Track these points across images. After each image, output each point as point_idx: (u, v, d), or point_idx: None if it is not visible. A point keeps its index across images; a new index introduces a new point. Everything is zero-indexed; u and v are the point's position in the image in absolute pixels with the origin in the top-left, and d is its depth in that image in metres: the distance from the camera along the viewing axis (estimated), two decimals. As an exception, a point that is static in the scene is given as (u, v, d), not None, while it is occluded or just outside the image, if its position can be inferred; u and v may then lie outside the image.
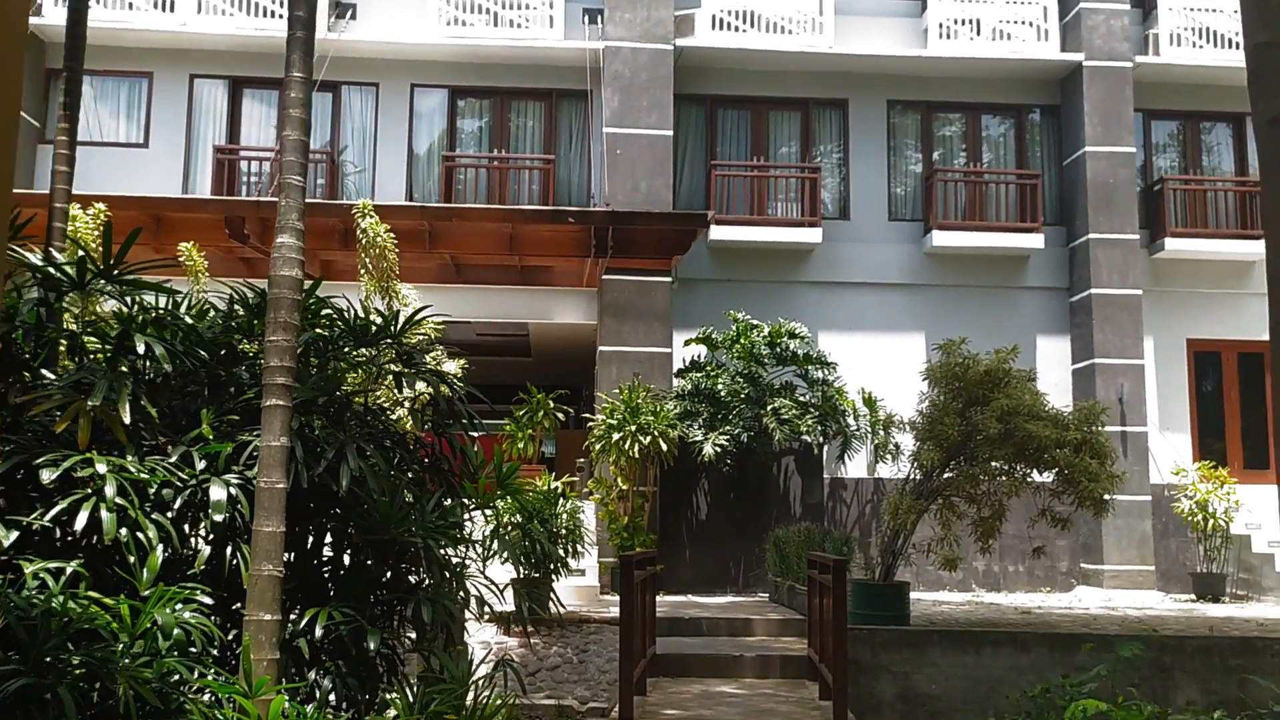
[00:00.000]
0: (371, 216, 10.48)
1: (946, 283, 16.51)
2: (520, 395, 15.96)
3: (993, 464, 9.92)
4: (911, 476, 10.44)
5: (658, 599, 13.25)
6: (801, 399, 14.70)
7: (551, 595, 9.05)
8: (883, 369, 15.74)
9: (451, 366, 10.90)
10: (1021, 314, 16.43)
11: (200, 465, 4.85)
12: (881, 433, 14.85)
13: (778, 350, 14.99)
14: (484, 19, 15.95)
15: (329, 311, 5.75)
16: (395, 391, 6.13)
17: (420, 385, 5.92)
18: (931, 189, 16.56)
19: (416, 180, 16.44)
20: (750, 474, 14.76)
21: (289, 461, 4.63)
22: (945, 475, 10.28)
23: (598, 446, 14.17)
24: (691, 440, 14.16)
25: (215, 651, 4.59)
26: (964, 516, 10.42)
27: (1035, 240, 16.20)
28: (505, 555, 10.58)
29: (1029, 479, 10.02)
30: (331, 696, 4.81)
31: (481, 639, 10.18)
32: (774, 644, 10.21)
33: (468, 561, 5.99)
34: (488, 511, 6.99)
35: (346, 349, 5.61)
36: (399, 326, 5.75)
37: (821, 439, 14.56)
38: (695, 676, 9.27)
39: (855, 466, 15.64)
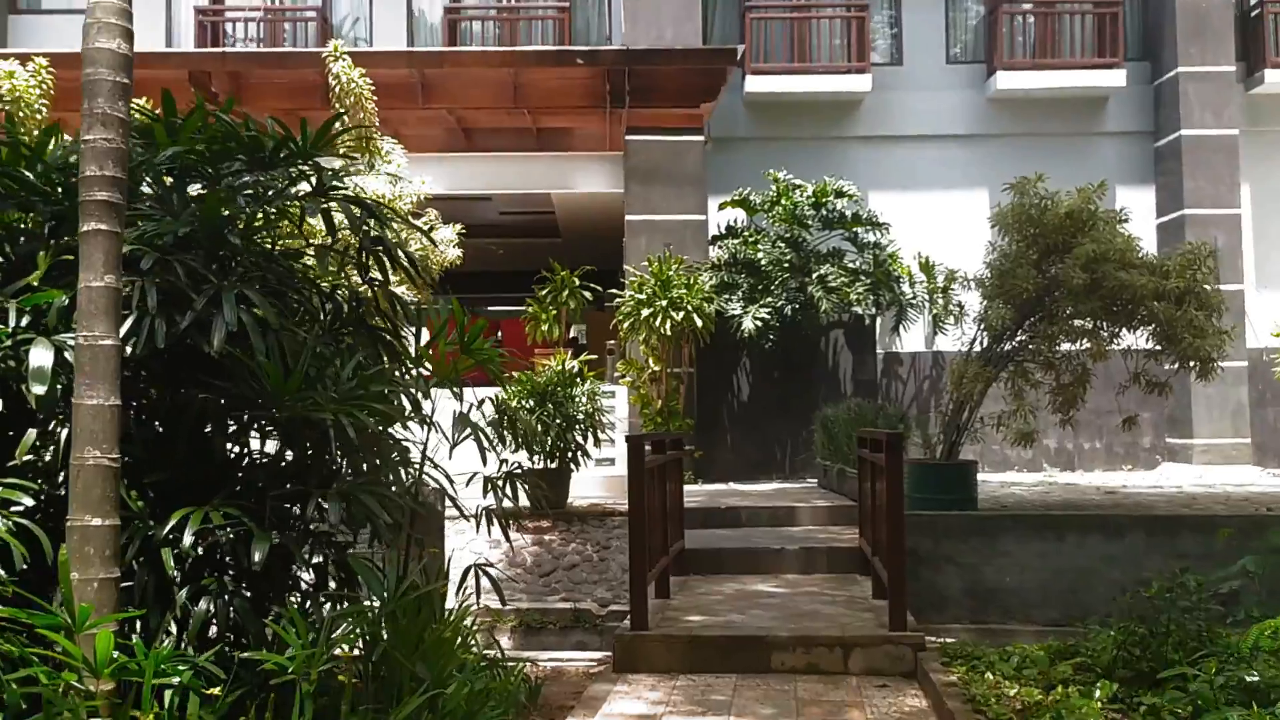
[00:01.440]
0: (343, 60, 9.07)
1: (1012, 131, 14.72)
2: (543, 274, 14.65)
3: (1075, 322, 8.44)
4: (978, 341, 9.00)
5: (697, 487, 12.09)
6: (851, 265, 13.21)
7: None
8: (941, 231, 14.14)
9: (447, 232, 9.58)
10: (1099, 163, 14.59)
11: (24, 322, 3.62)
12: (940, 300, 13.41)
13: (824, 212, 13.44)
14: None
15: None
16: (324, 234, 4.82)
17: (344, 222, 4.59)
18: (996, 25, 14.66)
19: (419, 38, 14.89)
20: (795, 350, 13.38)
21: (117, 309, 3.36)
22: (1018, 338, 8.83)
23: (626, 325, 12.86)
24: (729, 315, 12.78)
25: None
26: (1039, 385, 9.00)
27: (1115, 78, 14.31)
28: (513, 442, 9.44)
29: (1117, 338, 8.55)
30: (213, 628, 3.63)
31: (491, 536, 9.07)
32: (820, 534, 8.97)
33: (422, 446, 4.74)
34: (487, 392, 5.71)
35: (236, 170, 4.27)
36: (309, 141, 4.40)
37: (874, 309, 13.10)
38: (730, 574, 8.08)
39: (912, 339, 14.19)
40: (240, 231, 4.17)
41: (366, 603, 3.98)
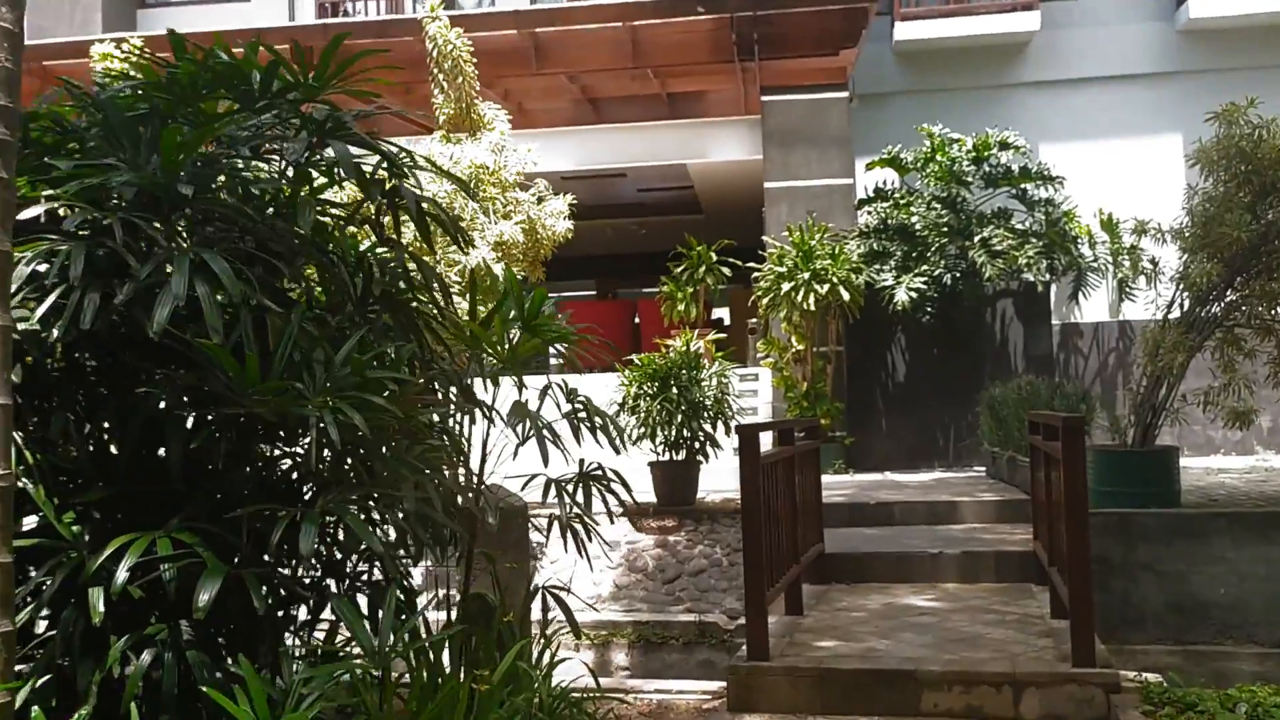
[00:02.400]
0: (439, 20, 8.30)
1: (1210, 67, 12.85)
2: (679, 249, 13.71)
3: (1302, 276, 6.91)
4: (1177, 304, 7.54)
5: (847, 478, 10.92)
6: (1019, 227, 11.73)
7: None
8: (1124, 184, 12.48)
9: (557, 204, 8.73)
10: (1316, 97, 12.58)
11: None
12: (1127, 261, 11.79)
13: (985, 168, 11.98)
14: None
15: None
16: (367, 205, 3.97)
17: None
18: (1186, -55, 12.83)
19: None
20: (956, 323, 11.99)
21: (5, 277, 2.57)
22: (1227, 298, 7.33)
23: (765, 301, 11.77)
24: (880, 286, 11.51)
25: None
26: (1254, 354, 7.48)
27: (1336, -4, 12.28)
28: (635, 431, 8.53)
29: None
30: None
31: (611, 537, 8.19)
32: (987, 534, 7.71)
33: (457, 455, 3.86)
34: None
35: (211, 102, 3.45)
36: (312, 75, 3.55)
37: (1047, 275, 11.57)
38: (877, 582, 6.95)
39: (1093, 307, 12.57)
40: (214, 183, 3.35)
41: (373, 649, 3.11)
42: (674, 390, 8.54)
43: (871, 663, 4.91)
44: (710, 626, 7.24)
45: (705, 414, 8.64)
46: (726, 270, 13.47)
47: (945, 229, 11.57)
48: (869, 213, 12.47)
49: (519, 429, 4.14)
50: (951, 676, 4.72)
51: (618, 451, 4.53)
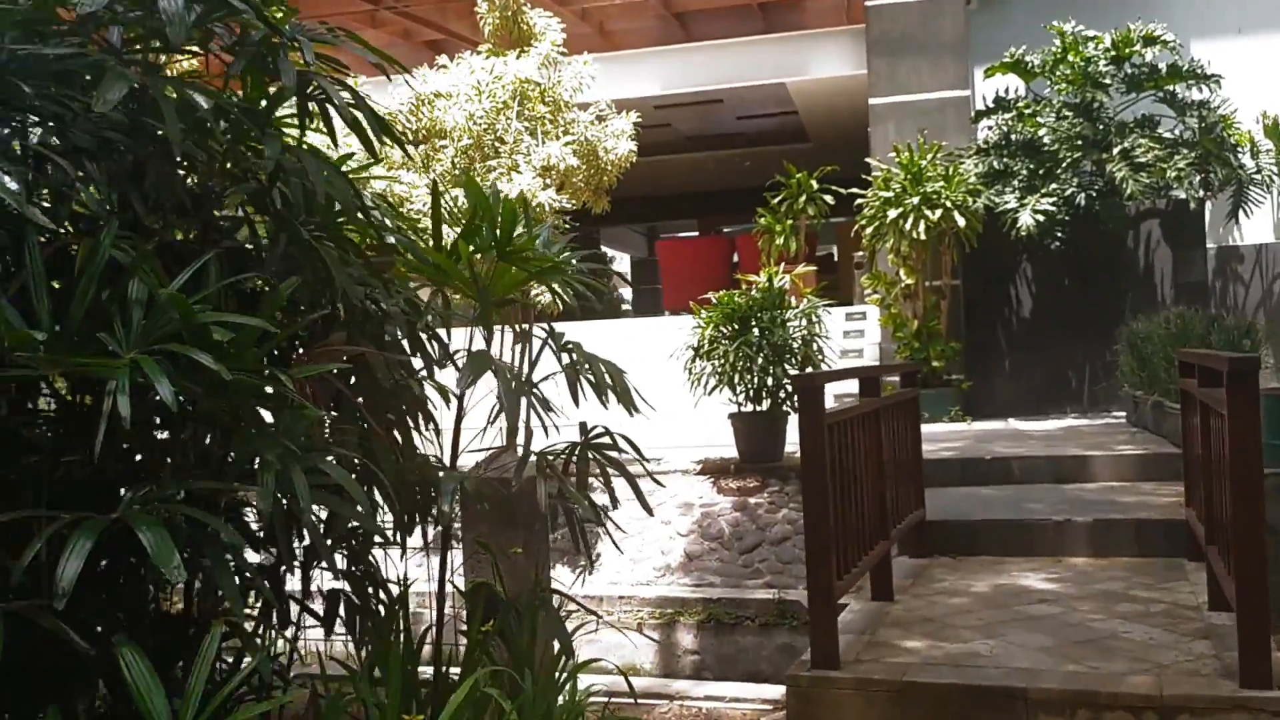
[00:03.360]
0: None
1: (1401, -62, 10.90)
2: (777, 178, 12.51)
3: None
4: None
5: (963, 427, 9.69)
6: (1167, 136, 10.14)
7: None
8: (1296, 83, 10.71)
9: (620, 123, 7.70)
10: None
11: None
12: (1299, 171, 10.13)
13: (1127, 69, 10.39)
14: None
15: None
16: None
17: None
18: None
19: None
20: (1092, 249, 10.52)
21: None
22: None
23: (869, 231, 10.53)
24: (1001, 210, 10.13)
25: None
26: None
27: None
28: (711, 380, 7.53)
29: None
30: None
31: (684, 499, 7.26)
32: (1125, 496, 6.47)
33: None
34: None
35: None
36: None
37: (1201, 191, 9.98)
38: (989, 555, 5.83)
39: (1256, 227, 10.91)
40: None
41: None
42: (755, 332, 7.49)
43: (969, 675, 3.85)
44: (791, 605, 6.24)
45: (792, 358, 7.57)
46: (829, 199, 12.23)
47: (1079, 141, 10.08)
48: (988, 128, 11.03)
49: (503, 388, 3.21)
50: (1074, 697, 3.63)
51: (632, 413, 3.57)
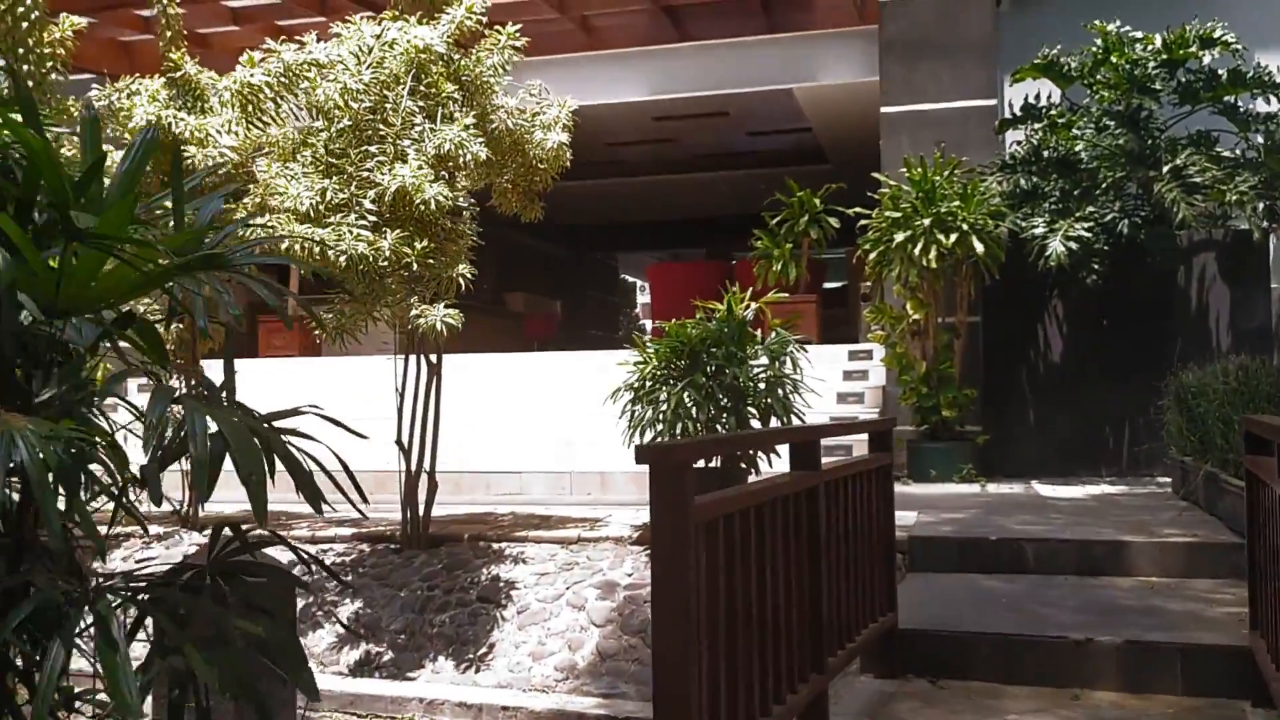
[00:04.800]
0: None
1: None
2: (777, 196, 11.12)
3: None
4: None
5: (974, 490, 8.17)
6: (1226, 154, 8.62)
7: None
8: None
9: (554, 111, 6.32)
10: None
11: None
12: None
13: (1181, 78, 8.89)
14: None
15: None
16: None
17: None
18: None
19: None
20: (1135, 286, 8.97)
21: None
22: None
23: (873, 256, 9.07)
24: (1027, 235, 8.63)
25: None
26: None
27: None
28: (649, 430, 6.09)
29: None
30: None
31: (608, 576, 5.80)
32: (1171, 602, 4.94)
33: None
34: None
35: None
36: None
37: (1266, 220, 8.42)
38: (980, 679, 4.34)
39: (1331, 266, 9.33)
40: None
41: None
42: (709, 370, 6.04)
43: None
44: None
45: (756, 404, 6.12)
46: (835, 222, 10.80)
47: (1122, 158, 8.58)
48: (1016, 143, 9.56)
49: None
50: None
51: (319, 510, 2.14)
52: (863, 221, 9.24)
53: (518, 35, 6.13)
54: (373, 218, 5.22)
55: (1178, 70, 8.81)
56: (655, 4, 10.54)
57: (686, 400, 5.94)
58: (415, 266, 5.28)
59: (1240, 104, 8.83)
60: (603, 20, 11.08)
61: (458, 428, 7.37)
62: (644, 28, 11.07)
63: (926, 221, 8.61)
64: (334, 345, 5.51)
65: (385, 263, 5.19)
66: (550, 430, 9.27)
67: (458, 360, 7.18)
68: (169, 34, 6.56)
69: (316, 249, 5.02)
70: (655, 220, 21.29)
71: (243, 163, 6.16)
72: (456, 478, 8.29)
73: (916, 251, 8.64)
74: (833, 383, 9.60)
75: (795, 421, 6.07)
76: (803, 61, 11.09)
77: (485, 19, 6.12)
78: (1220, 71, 8.70)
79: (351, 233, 5.07)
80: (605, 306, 25.99)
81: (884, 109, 10.03)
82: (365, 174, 5.29)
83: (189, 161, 6.02)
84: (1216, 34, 8.61)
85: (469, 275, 5.59)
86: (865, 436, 4.83)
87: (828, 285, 15.44)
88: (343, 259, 5.01)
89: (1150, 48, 8.72)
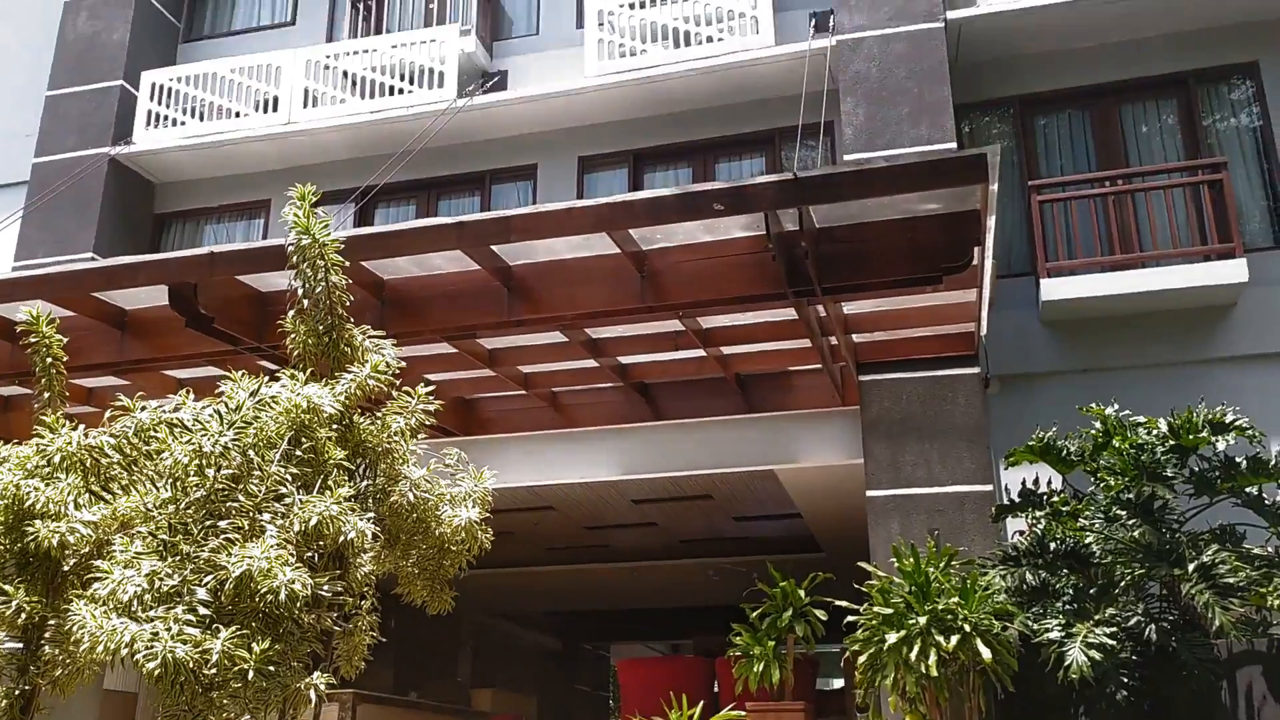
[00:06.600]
0: (308, 217, 5.51)
1: None
2: (759, 585, 10.02)
3: None
4: None
5: None
6: (1258, 550, 7.59)
7: None
8: None
9: (469, 484, 5.43)
10: None
11: None
12: None
13: (1193, 465, 8.07)
14: (662, 45, 11.23)
15: None
16: None
17: None
18: None
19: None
20: (1173, 701, 7.58)
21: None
22: None
23: (863, 659, 7.80)
24: (1040, 638, 7.41)
25: None
26: None
27: None
28: None
29: None
30: None
31: None
32: None
33: None
34: None
35: None
36: None
37: (1317, 629, 7.24)
38: None
39: (1400, 684, 7.95)
40: None
41: None
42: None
43: None
44: None
45: None
46: (822, 614, 9.59)
47: (1139, 552, 7.54)
48: (1018, 532, 8.59)
49: None
50: None
51: None
52: (850, 618, 8.06)
53: (430, 398, 5.36)
54: (206, 610, 4.14)
55: (1189, 457, 7.99)
56: (627, 382, 10.03)
57: None
58: (251, 674, 4.11)
59: (1268, 493, 7.92)
60: (573, 398, 10.56)
61: None
62: (617, 406, 10.51)
63: (922, 620, 7.43)
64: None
65: (213, 669, 4.04)
66: None
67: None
68: (46, 395, 5.82)
69: (124, 651, 3.90)
70: (644, 609, 20.03)
71: (102, 540, 5.18)
72: None
73: (913, 655, 7.38)
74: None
75: None
76: (784, 443, 10.40)
77: (397, 378, 5.38)
78: (1238, 459, 7.87)
79: (171, 630, 3.97)
80: (595, 703, 23.95)
81: (869, 492, 9.19)
82: (206, 555, 4.28)
83: (31, 540, 5.03)
84: (1228, 419, 7.87)
85: (320, 686, 4.38)
86: None
87: (824, 687, 13.90)
88: (152, 665, 3.87)
89: (1155, 432, 7.96)
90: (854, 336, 9.14)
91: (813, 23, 11.09)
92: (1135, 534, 7.58)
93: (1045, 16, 10.28)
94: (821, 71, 10.61)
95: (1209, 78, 10.42)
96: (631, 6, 11.28)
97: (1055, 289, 9.53)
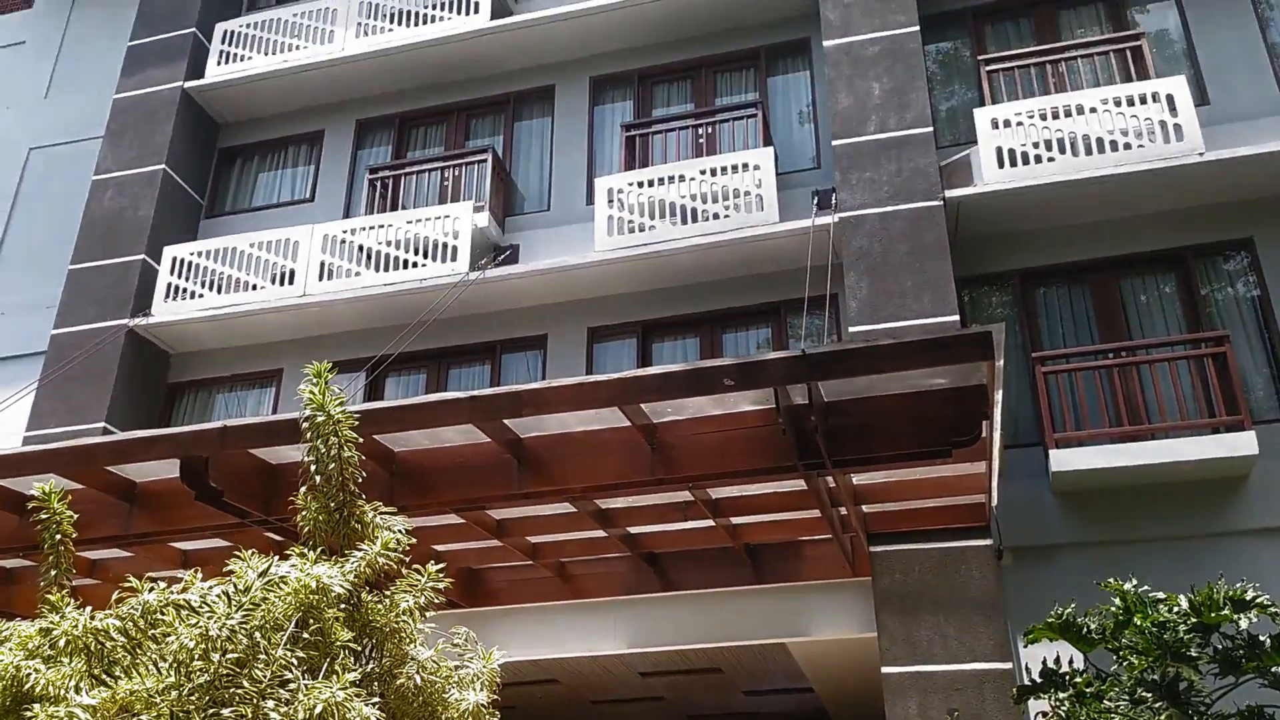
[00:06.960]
0: (324, 409, 5.57)
1: None
2: (771, 769, 9.65)
3: None
4: None
5: None
6: (1291, 734, 7.32)
7: None
8: None
9: (478, 664, 5.33)
10: None
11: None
12: None
13: (1216, 643, 7.86)
14: (670, 221, 11.58)
15: None
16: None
17: None
18: None
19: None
20: None
21: None
22: None
23: None
24: (1070, 830, 7.09)
25: None
26: None
27: None
28: None
29: None
30: None
31: None
32: None
33: None
34: None
35: None
36: None
37: (1358, 818, 6.91)
38: None
39: None
40: None
41: None
42: None
43: None
44: None
45: None
46: (839, 801, 9.22)
47: (1166, 735, 7.27)
48: (1041, 714, 8.31)
49: None
50: None
51: None
52: (869, 807, 7.73)
53: (439, 575, 5.30)
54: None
55: (1212, 634, 7.80)
56: (636, 552, 9.91)
57: None
58: None
59: (1292, 675, 7.68)
60: (581, 568, 10.42)
61: None
62: (624, 576, 10.36)
63: (944, 810, 7.13)
64: None
65: None
66: None
67: None
68: (53, 572, 5.76)
69: None
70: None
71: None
72: None
73: None
74: None
75: None
76: (794, 615, 10.19)
77: (406, 553, 5.34)
78: (1262, 638, 7.67)
79: (164, 829, 3.81)
80: None
81: (885, 669, 8.94)
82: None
83: (28, 724, 4.89)
84: (1249, 596, 7.71)
85: None
86: None
87: None
88: None
89: (1177, 609, 7.79)
90: (864, 507, 9.08)
91: (815, 200, 11.49)
92: (1162, 718, 7.32)
93: (1043, 194, 10.61)
94: (825, 246, 10.92)
95: (1206, 252, 10.67)
96: (640, 185, 11.69)
97: (1065, 460, 9.52)
